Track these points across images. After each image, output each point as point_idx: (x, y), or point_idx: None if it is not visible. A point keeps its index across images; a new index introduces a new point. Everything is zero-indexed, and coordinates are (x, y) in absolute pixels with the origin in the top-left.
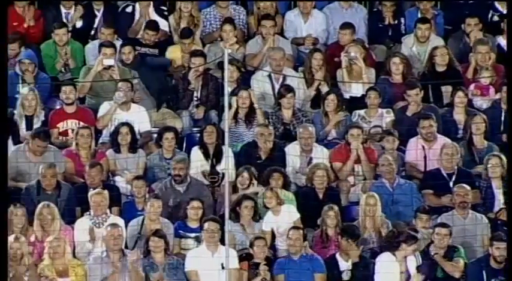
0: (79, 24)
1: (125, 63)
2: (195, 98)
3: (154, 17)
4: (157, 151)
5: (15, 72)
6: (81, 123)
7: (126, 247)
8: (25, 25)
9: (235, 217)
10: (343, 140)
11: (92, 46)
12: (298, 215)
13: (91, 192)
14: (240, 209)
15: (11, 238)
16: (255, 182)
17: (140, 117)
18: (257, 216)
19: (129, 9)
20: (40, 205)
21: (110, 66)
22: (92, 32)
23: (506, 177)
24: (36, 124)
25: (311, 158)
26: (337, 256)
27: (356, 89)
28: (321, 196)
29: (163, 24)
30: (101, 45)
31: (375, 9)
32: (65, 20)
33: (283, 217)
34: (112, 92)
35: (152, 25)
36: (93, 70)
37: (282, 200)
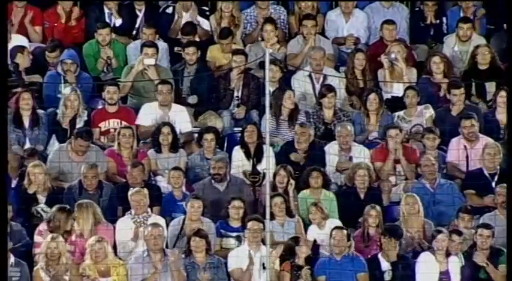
0: (118, 22)
1: (188, 64)
2: (236, 98)
3: (195, 17)
4: (198, 151)
5: (57, 72)
6: (123, 123)
7: (167, 246)
8: (62, 21)
9: (272, 215)
10: (384, 140)
11: (133, 46)
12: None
13: (131, 191)
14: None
15: (48, 237)
16: (293, 181)
17: (181, 118)
18: (290, 213)
19: (169, 10)
20: (76, 204)
21: (149, 66)
22: (134, 32)
23: None
24: (79, 124)
25: (351, 157)
26: (379, 256)
27: (397, 89)
28: (362, 195)
29: (205, 24)
30: (143, 45)
31: (417, 9)
32: (107, 20)
33: (327, 230)
34: (153, 92)
35: (187, 28)
36: (134, 70)
37: (327, 215)
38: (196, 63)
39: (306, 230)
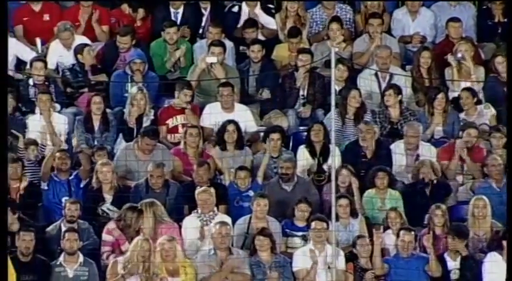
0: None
1: (253, 62)
2: (302, 97)
3: (262, 16)
4: (264, 150)
5: (124, 71)
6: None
7: (233, 245)
8: (130, 20)
9: (336, 216)
10: (452, 138)
11: (200, 45)
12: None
13: (197, 190)
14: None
15: (137, 238)
16: (356, 181)
17: (245, 117)
18: (354, 214)
19: (235, 9)
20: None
21: (215, 65)
22: (200, 31)
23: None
24: (145, 123)
25: (418, 156)
26: (445, 255)
27: None
28: (427, 193)
29: (271, 23)
30: (211, 44)
31: (484, 7)
32: (174, 19)
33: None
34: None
35: (250, 22)
36: (197, 68)
37: (405, 222)
38: (261, 61)
39: (369, 230)
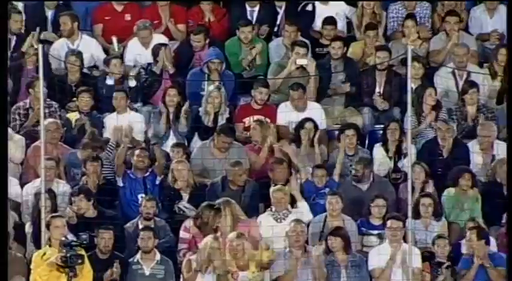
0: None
1: (333, 58)
2: (378, 94)
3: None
4: (338, 148)
5: (200, 69)
6: (267, 119)
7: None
8: (206, 19)
9: (417, 215)
10: None
11: (275, 43)
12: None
13: (272, 188)
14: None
15: (209, 237)
16: (430, 180)
17: (318, 115)
18: (437, 214)
19: (309, 8)
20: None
21: (302, 66)
22: (275, 29)
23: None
24: (221, 121)
25: (493, 156)
26: None
27: None
28: (505, 192)
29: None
30: (294, 44)
31: None
32: (249, 18)
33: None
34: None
35: (329, 20)
36: (286, 69)
37: (484, 229)
38: (341, 58)
39: (449, 230)
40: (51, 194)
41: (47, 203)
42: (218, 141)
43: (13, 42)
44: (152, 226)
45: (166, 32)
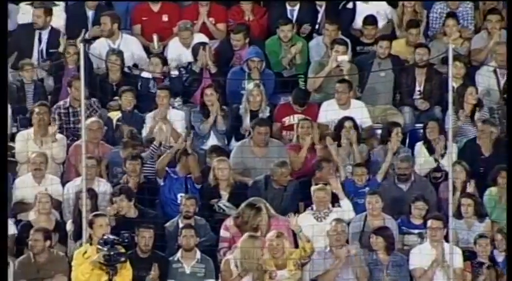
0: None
1: (379, 58)
2: (418, 93)
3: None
4: (380, 146)
5: (241, 68)
6: (308, 118)
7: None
8: (246, 18)
9: (459, 214)
10: None
11: (315, 42)
12: None
13: (313, 187)
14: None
15: (246, 235)
16: (471, 180)
17: (361, 114)
18: (480, 214)
19: (349, 6)
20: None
21: (341, 63)
22: (316, 27)
23: None
24: None
25: None
26: None
27: None
28: None
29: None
30: (334, 42)
31: None
32: (289, 17)
33: None
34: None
35: (370, 19)
36: (327, 67)
37: None
38: (387, 57)
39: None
40: (91, 193)
41: (86, 202)
42: (255, 134)
43: (45, 36)
44: (193, 224)
45: (205, 31)
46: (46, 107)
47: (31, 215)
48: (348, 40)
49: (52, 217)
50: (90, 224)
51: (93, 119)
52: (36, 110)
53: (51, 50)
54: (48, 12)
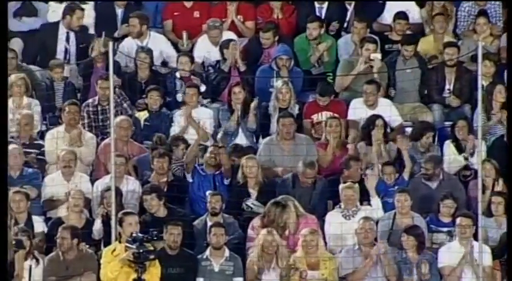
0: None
1: (405, 59)
2: (447, 91)
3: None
4: (410, 144)
5: (269, 66)
6: (336, 116)
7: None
8: (275, 16)
9: (489, 212)
10: None
11: (344, 40)
12: None
13: (342, 185)
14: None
15: (264, 231)
16: (500, 179)
17: (390, 112)
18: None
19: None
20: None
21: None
22: (345, 25)
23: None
24: None
25: None
26: None
27: None
28: None
29: (415, 17)
30: (363, 40)
31: None
32: (318, 15)
33: None
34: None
35: (402, 15)
36: (357, 66)
37: None
38: (412, 57)
39: None
40: (117, 191)
41: (115, 200)
42: (281, 127)
43: (72, 37)
44: (221, 221)
45: (234, 29)
46: (76, 106)
47: (62, 212)
48: (377, 38)
49: (83, 215)
50: (120, 222)
51: (122, 117)
52: (67, 109)
53: (80, 47)
54: (78, 10)
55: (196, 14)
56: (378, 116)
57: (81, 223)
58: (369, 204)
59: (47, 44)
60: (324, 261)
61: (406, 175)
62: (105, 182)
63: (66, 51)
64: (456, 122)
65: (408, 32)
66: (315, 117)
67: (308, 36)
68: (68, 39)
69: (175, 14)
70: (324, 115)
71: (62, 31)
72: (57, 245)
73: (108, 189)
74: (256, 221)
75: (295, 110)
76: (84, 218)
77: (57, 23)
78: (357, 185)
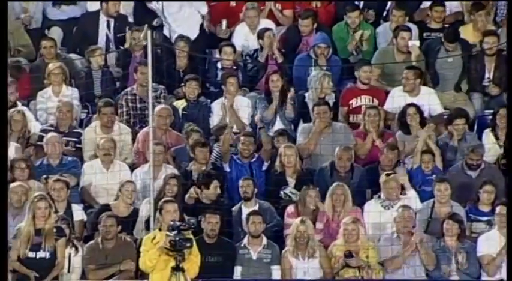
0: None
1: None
2: (487, 79)
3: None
4: (446, 133)
5: (307, 54)
6: (374, 100)
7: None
8: (313, 4)
9: None
10: None
11: (382, 29)
12: None
13: (384, 177)
14: None
15: (297, 220)
16: None
17: (430, 100)
18: None
19: None
20: (334, 185)
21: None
22: (384, 14)
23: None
24: None
25: None
26: None
27: None
28: None
29: (454, 5)
30: (397, 28)
31: None
32: (356, 3)
33: None
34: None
35: (439, 2)
36: (397, 52)
37: None
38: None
39: None
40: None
41: (174, 188)
42: (316, 116)
43: (112, 24)
44: (256, 208)
45: (272, 18)
46: (111, 107)
47: (111, 201)
48: (411, 27)
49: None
50: (160, 210)
51: (162, 106)
52: (102, 111)
53: (118, 36)
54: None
55: (233, 3)
56: (410, 105)
57: (128, 212)
58: (405, 194)
59: (88, 32)
60: (364, 249)
61: (438, 163)
62: (144, 170)
63: (108, 38)
64: (497, 111)
65: (447, 21)
66: (353, 101)
67: (350, 24)
68: (108, 27)
69: (212, 4)
70: (362, 99)
71: (103, 19)
72: (99, 232)
73: (173, 176)
74: (290, 209)
75: (332, 99)
76: (131, 208)
77: (97, 12)
78: (396, 175)
